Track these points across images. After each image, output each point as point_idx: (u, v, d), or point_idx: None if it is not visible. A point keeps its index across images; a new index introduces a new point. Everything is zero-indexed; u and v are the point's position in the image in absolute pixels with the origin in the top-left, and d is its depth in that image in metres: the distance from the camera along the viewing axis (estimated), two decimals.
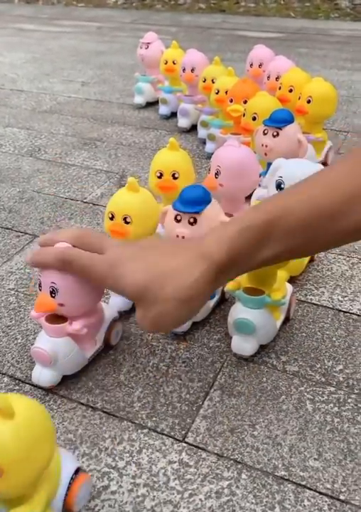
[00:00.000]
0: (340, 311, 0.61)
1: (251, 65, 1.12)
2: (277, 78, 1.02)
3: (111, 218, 0.56)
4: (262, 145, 0.73)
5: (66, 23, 2.33)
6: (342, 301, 0.63)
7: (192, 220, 0.54)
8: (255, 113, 0.81)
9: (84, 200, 0.87)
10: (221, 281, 0.47)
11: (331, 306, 0.62)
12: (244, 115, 0.84)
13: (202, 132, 1.06)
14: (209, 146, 1.00)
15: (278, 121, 0.72)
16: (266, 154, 0.74)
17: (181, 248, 0.47)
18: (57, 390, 0.52)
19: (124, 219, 0.56)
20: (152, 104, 1.26)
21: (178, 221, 0.55)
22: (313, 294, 0.64)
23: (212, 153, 0.99)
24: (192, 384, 0.52)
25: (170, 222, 0.56)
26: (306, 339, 0.57)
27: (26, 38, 2.06)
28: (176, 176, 0.66)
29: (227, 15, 2.44)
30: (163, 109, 1.19)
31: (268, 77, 1.04)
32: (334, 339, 0.57)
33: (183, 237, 0.54)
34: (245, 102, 0.88)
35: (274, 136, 0.73)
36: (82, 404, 0.50)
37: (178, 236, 0.54)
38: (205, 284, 0.43)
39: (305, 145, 0.73)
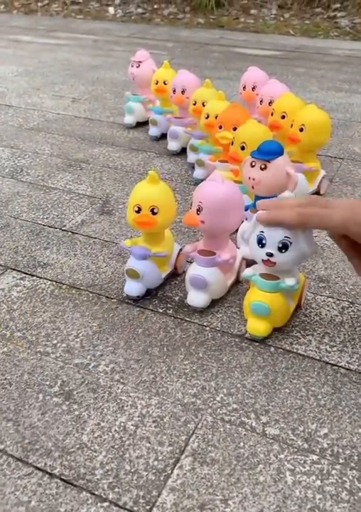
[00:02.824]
0: (328, 363, 0.57)
1: (244, 87, 1.08)
2: (270, 103, 0.98)
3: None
4: (249, 178, 0.69)
5: (62, 36, 2.30)
6: (330, 352, 0.58)
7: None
8: (244, 142, 0.77)
9: (63, 228, 0.82)
10: None
11: (318, 358, 0.57)
12: (232, 143, 0.80)
13: (191, 156, 1.01)
14: (197, 172, 0.96)
15: (267, 153, 0.68)
16: (253, 187, 0.70)
17: None
18: (12, 452, 0.47)
19: None
20: (142, 124, 1.22)
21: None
22: (299, 342, 0.59)
23: (200, 180, 0.96)
24: (162, 448, 0.47)
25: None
26: (289, 396, 0.53)
27: (20, 49, 2.03)
28: (155, 210, 0.62)
29: (225, 31, 2.41)
30: (153, 131, 1.15)
31: (261, 102, 1.00)
32: (319, 397, 0.53)
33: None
34: (235, 128, 0.84)
35: (262, 169, 0.68)
36: (39, 469, 0.45)
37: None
38: None
39: (294, 179, 0.69)
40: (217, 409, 0.51)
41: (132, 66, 1.20)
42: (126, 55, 1.89)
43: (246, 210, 0.73)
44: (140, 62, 1.19)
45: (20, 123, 1.26)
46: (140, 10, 2.84)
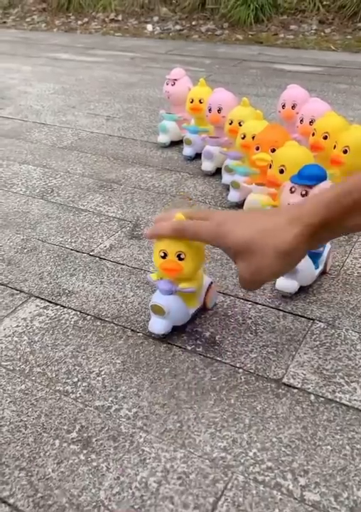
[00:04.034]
0: None
1: (283, 105, 1.03)
2: (311, 122, 0.92)
3: None
4: (288, 205, 0.64)
5: (100, 53, 2.31)
6: None
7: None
8: (283, 165, 0.72)
9: (91, 253, 0.79)
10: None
11: None
12: (270, 166, 0.75)
13: (226, 178, 0.97)
14: (232, 195, 0.91)
15: (308, 178, 0.63)
16: None
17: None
18: (23, 507, 0.43)
19: None
20: (177, 143, 1.19)
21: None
22: (342, 390, 0.53)
23: (236, 203, 0.92)
24: (186, 511, 0.42)
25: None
26: (332, 454, 0.47)
27: (58, 67, 2.04)
28: (182, 256, 0.57)
29: (264, 47, 2.37)
30: (187, 150, 1.11)
31: (302, 121, 0.95)
32: None
33: None
34: (273, 150, 0.80)
35: (303, 196, 0.63)
36: None
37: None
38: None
39: None
40: (249, 466, 0.46)
41: (167, 84, 1.17)
42: (163, 72, 1.86)
43: None
44: (175, 80, 1.16)
45: (53, 141, 1.25)
46: (178, 27, 2.84)
